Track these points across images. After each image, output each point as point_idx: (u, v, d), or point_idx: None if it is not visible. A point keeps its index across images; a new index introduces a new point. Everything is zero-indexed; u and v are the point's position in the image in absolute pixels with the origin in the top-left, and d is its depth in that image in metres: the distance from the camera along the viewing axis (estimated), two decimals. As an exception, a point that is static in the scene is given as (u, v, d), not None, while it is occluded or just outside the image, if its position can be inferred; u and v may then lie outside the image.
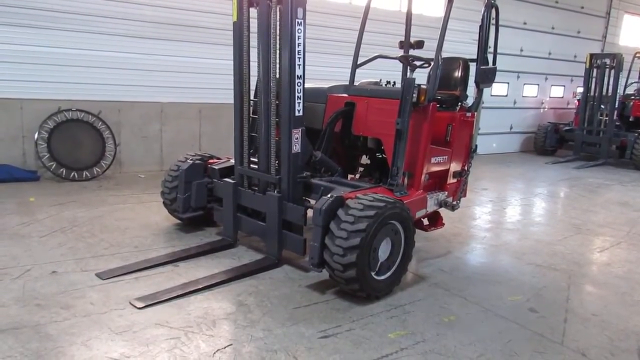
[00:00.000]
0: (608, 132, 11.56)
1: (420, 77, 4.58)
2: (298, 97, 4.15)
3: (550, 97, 13.95)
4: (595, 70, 11.77)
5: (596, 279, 4.65)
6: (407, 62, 4.97)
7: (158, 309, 3.48)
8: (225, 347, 3.06)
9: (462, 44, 9.58)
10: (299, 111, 4.19)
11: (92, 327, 3.19)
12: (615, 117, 11.71)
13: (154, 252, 4.53)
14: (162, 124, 8.03)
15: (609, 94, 11.53)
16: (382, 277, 3.87)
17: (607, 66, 11.56)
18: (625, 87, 12.80)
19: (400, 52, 5.43)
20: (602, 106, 11.65)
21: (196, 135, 8.37)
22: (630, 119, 12.52)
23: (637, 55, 13.14)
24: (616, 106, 11.66)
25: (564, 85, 14.16)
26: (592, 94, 11.83)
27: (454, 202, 5.03)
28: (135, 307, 3.47)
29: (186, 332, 3.20)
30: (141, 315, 3.37)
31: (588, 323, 3.71)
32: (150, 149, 8.00)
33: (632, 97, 12.88)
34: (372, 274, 3.77)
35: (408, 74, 5.12)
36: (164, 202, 5.23)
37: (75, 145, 7.13)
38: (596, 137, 11.80)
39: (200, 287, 3.82)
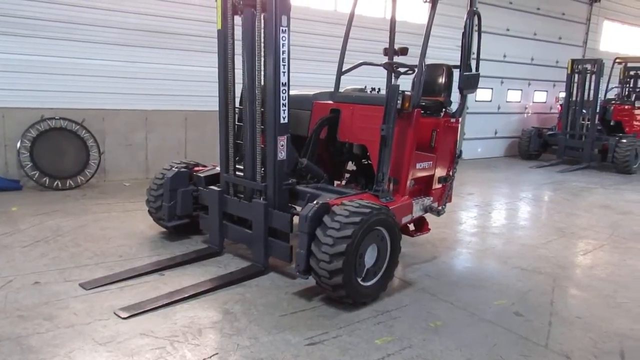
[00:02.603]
0: (590, 136, 11.74)
1: (405, 83, 4.62)
2: (283, 104, 4.16)
3: (533, 102, 14.14)
4: (576, 75, 11.96)
5: (580, 282, 4.70)
6: (392, 69, 5.02)
7: (143, 318, 3.45)
8: (211, 356, 3.04)
9: (446, 50, 9.68)
10: (284, 118, 4.19)
11: (76, 338, 3.15)
12: (596, 121, 11.89)
13: (139, 261, 4.49)
14: (147, 132, 7.98)
15: (591, 98, 11.72)
16: (369, 283, 3.88)
17: (588, 71, 11.75)
18: (606, 91, 13.02)
19: (385, 59, 5.47)
20: (584, 111, 11.83)
21: (182, 142, 8.33)
22: (612, 123, 12.73)
23: (617, 60, 13.43)
24: (597, 111, 11.84)
25: (546, 91, 14.36)
26: (574, 98, 12.02)
27: (440, 208, 5.06)
28: (119, 317, 3.43)
29: (172, 342, 3.17)
30: (126, 325, 3.34)
31: (572, 326, 3.76)
32: (135, 157, 7.94)
33: (613, 102, 13.11)
34: (359, 280, 3.77)
35: (392, 80, 5.16)
36: (149, 211, 5.19)
37: (59, 154, 7.05)
38: (579, 142, 11.98)
39: (186, 295, 3.79)
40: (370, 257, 3.86)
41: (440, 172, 5.03)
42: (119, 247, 4.81)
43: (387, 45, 5.66)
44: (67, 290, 3.81)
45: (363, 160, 5.31)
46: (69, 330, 3.23)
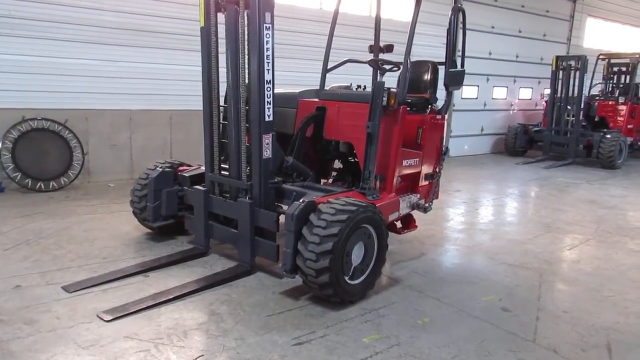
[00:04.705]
0: (575, 132, 11.83)
1: (391, 81, 4.61)
2: (268, 102, 4.11)
3: (519, 99, 14.22)
4: (561, 72, 12.04)
5: (566, 277, 4.73)
6: (377, 66, 4.99)
7: (127, 321, 3.39)
8: (196, 358, 3.00)
9: (433, 48, 9.71)
10: (269, 116, 4.15)
11: (58, 342, 3.08)
12: (581, 117, 11.99)
13: (123, 262, 4.42)
14: (131, 132, 7.88)
15: (575, 95, 11.81)
16: (356, 282, 3.85)
17: (573, 68, 11.84)
18: (590, 88, 13.14)
19: (371, 57, 5.45)
20: (569, 107, 11.91)
21: (167, 142, 8.24)
22: (596, 119, 12.84)
23: (601, 57, 13.56)
24: (582, 107, 11.94)
25: (532, 87, 14.46)
26: (558, 95, 12.10)
27: (427, 205, 5.06)
28: (103, 320, 3.37)
29: (156, 344, 3.12)
30: (109, 328, 3.28)
31: (559, 320, 3.77)
32: (120, 157, 7.84)
33: (597, 98, 13.24)
34: (346, 278, 3.75)
35: (378, 78, 5.14)
36: (133, 211, 5.11)
37: (41, 155, 6.94)
38: (564, 137, 12.06)
39: (171, 297, 3.73)
40: (357, 255, 3.83)
41: (426, 169, 5.03)
42: (103, 249, 4.74)
43: (372, 43, 5.64)
44: (49, 293, 3.74)
45: (350, 158, 5.28)
46: (51, 334, 3.17)
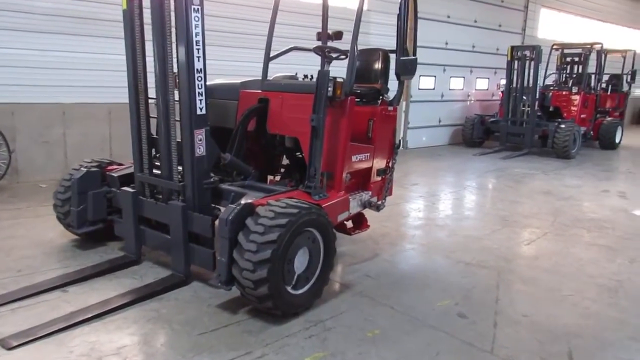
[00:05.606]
0: (530, 122, 11.82)
1: (341, 71, 4.25)
2: (199, 93, 3.68)
3: (475, 90, 14.17)
4: (516, 62, 12.00)
5: (524, 275, 4.51)
6: (323, 54, 4.63)
7: (33, 347, 2.93)
8: (109, 392, 2.58)
9: (391, 37, 9.38)
10: (201, 109, 3.72)
11: (-59, 380, 2.60)
12: (536, 107, 12.00)
13: (41, 275, 3.91)
14: (65, 127, 7.25)
15: (530, 85, 11.80)
16: (300, 291, 3.49)
17: (527, 58, 11.82)
18: (545, 78, 13.19)
19: (318, 44, 5.08)
20: (524, 97, 11.91)
21: (106, 138, 7.64)
22: (550, 109, 12.91)
23: (554, 47, 13.64)
24: (537, 97, 11.94)
25: (488, 78, 14.43)
26: (514, 85, 12.07)
27: (379, 202, 4.75)
28: (3, 348, 2.89)
29: (62, 377, 2.68)
30: (9, 358, 2.81)
31: (518, 326, 3.52)
32: (53, 155, 7.20)
33: (551, 88, 13.32)
34: (288, 288, 3.38)
35: (326, 66, 4.79)
36: (57, 216, 4.60)
37: (-41, 155, 6.27)
38: (520, 128, 12.04)
39: (90, 316, 3.28)
40: (300, 262, 3.47)
41: (378, 164, 4.71)
42: (20, 260, 4.21)
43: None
44: (-56, 317, 3.23)
45: (297, 154, 4.92)
46: None
